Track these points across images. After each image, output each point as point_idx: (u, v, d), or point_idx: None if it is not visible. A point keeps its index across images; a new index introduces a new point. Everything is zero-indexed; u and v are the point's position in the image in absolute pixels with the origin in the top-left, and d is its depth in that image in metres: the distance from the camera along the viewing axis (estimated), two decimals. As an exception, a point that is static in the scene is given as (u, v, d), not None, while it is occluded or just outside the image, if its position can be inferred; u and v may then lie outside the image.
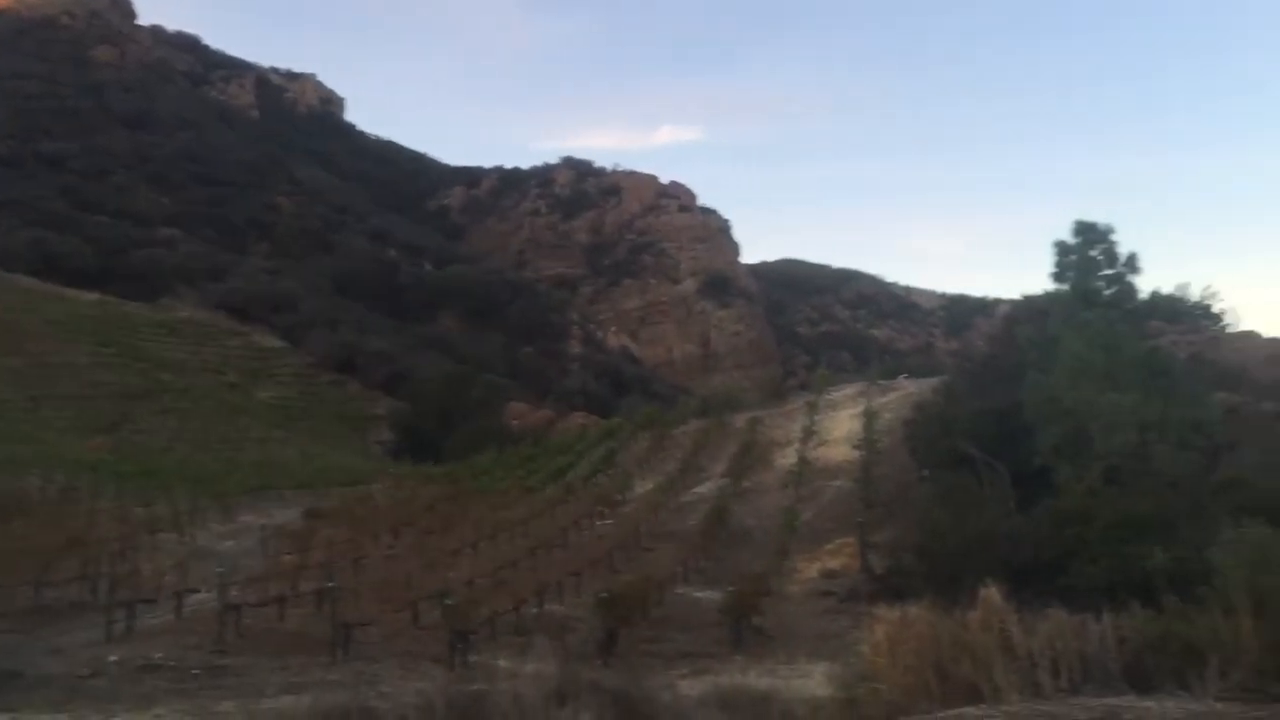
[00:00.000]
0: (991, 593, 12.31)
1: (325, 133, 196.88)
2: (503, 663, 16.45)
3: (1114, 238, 26.10)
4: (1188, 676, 11.47)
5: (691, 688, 13.18)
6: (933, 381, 46.35)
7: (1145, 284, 27.48)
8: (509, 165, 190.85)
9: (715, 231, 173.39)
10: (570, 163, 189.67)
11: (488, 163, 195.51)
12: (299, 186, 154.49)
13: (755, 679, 13.29)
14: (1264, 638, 11.50)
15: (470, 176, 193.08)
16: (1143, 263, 26.27)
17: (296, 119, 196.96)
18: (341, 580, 24.14)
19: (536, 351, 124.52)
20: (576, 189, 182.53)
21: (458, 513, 39.77)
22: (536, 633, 20.21)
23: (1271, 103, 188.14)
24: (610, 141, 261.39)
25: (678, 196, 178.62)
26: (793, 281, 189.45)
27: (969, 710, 10.48)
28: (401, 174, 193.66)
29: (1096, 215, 27.40)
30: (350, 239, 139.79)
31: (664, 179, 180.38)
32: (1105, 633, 12.03)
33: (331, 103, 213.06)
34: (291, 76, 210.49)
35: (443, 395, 79.35)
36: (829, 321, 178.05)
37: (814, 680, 13.10)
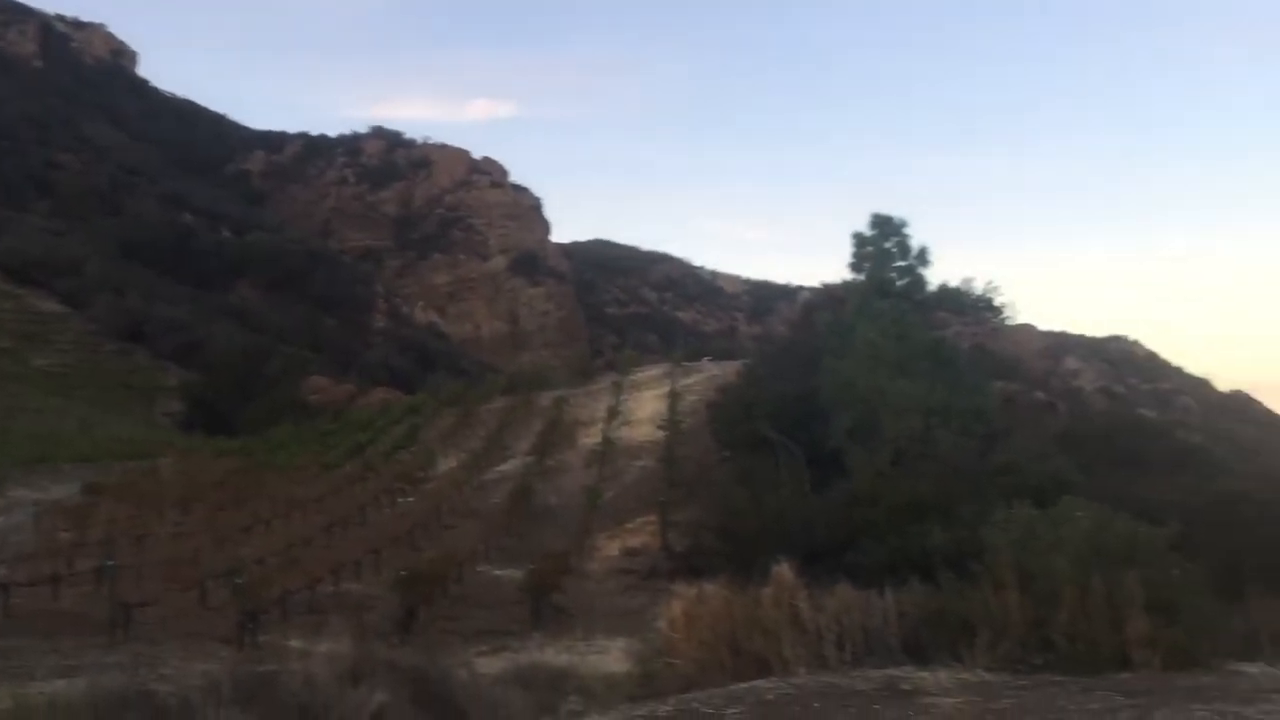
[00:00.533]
0: (784, 570, 12.75)
1: (116, 87, 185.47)
2: (295, 643, 15.97)
3: (907, 231, 27.36)
4: (960, 648, 12.20)
5: (490, 665, 13.15)
6: (735, 365, 47.48)
7: (934, 277, 28.92)
8: (315, 132, 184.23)
9: (527, 209, 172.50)
10: (379, 132, 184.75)
11: (292, 128, 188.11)
12: (85, 143, 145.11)
13: (554, 656, 13.37)
14: (1029, 612, 12.33)
15: (273, 141, 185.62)
16: (932, 256, 27.64)
17: (84, 71, 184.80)
18: (123, 558, 23.00)
19: (339, 324, 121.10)
20: (385, 159, 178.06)
21: (251, 488, 38.42)
22: (332, 612, 19.74)
23: (1051, 108, 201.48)
24: (422, 113, 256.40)
25: (490, 172, 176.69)
26: (603, 262, 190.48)
27: (760, 683, 10.84)
28: (199, 135, 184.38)
29: (893, 209, 28.70)
30: (141, 201, 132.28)
31: (476, 154, 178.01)
32: (888, 608, 12.64)
33: (123, 55, 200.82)
34: (79, 25, 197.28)
35: (238, 366, 76.31)
36: (637, 303, 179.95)
37: (612, 656, 13.28)
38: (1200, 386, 63.15)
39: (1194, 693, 10.19)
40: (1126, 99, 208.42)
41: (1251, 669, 12.47)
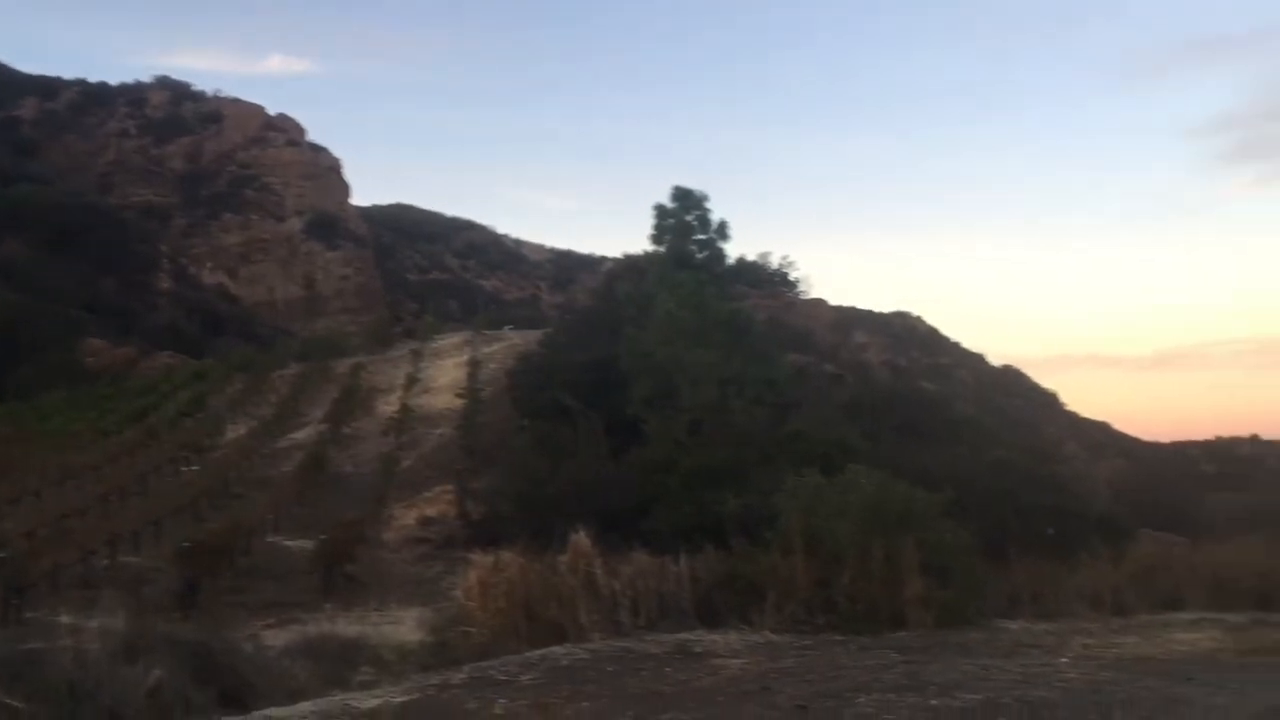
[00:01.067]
0: (581, 538, 12.85)
1: None
2: (65, 619, 15.07)
3: (708, 205, 27.84)
4: (750, 611, 12.60)
5: (277, 638, 12.76)
6: (537, 334, 47.45)
7: (733, 250, 29.58)
8: (95, 79, 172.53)
9: (325, 169, 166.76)
10: (166, 83, 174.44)
11: (69, 73, 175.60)
12: None
13: (345, 627, 13.07)
14: (814, 574, 12.84)
15: (48, 87, 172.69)
16: (731, 231, 28.21)
17: None
18: None
19: (119, 285, 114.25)
20: (172, 112, 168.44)
21: (19, 457, 35.94)
22: (107, 586, 18.71)
23: (849, 92, 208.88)
24: (213, 64, 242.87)
25: (286, 130, 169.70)
26: (404, 227, 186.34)
27: (555, 649, 10.90)
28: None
29: (695, 183, 29.18)
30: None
31: (272, 110, 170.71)
32: (681, 573, 12.93)
33: None
34: None
35: (5, 328, 71.09)
36: (439, 269, 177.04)
37: (406, 626, 13.10)
38: (975, 361, 66.91)
39: (962, 648, 10.84)
40: (916, 93, 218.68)
41: (1013, 625, 13.37)
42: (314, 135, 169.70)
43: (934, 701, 7.44)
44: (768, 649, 10.90)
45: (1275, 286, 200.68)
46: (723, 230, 27.96)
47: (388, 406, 43.87)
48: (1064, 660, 9.68)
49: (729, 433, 23.57)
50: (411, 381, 46.92)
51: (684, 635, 11.59)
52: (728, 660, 9.99)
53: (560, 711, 7.51)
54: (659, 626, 12.08)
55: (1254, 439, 59.79)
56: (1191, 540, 20.92)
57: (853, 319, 59.04)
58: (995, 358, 66.45)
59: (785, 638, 11.81)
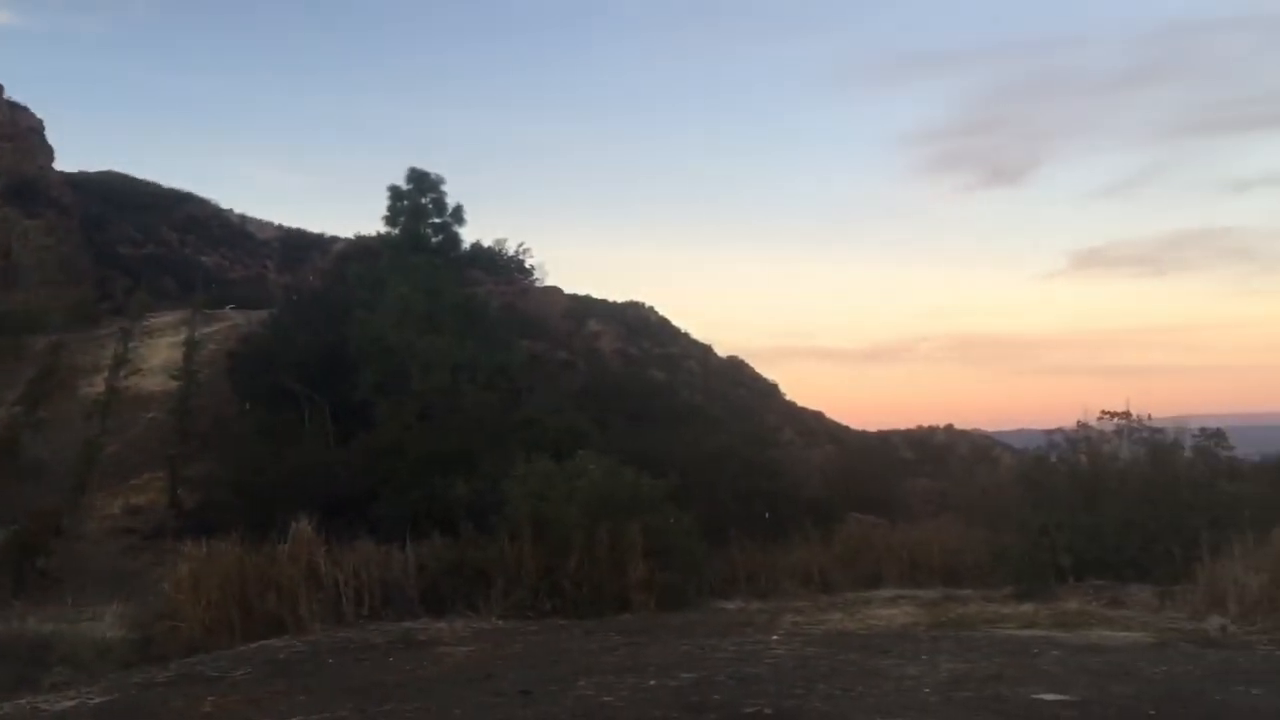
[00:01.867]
0: (303, 526, 12.42)
1: None
2: None
3: (444, 189, 27.42)
4: (477, 598, 12.57)
5: (-46, 640, 11.64)
6: (262, 314, 45.43)
7: (469, 235, 29.25)
8: None
9: (25, 130, 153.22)
10: None
11: None
12: None
13: (37, 625, 12.07)
14: (542, 560, 12.95)
15: None
16: (467, 215, 27.92)
17: None
18: None
19: None
20: None
21: None
22: None
23: (579, 82, 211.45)
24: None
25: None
26: (117, 197, 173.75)
27: (271, 641, 10.48)
28: None
29: (433, 166, 28.69)
30: None
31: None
32: (408, 561, 12.74)
33: None
34: None
35: None
36: (155, 243, 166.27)
37: (106, 622, 12.25)
38: (703, 352, 69.25)
39: (682, 629, 11.21)
40: (641, 87, 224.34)
41: (730, 605, 13.96)
42: (13, 93, 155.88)
43: (652, 682, 7.64)
44: (494, 635, 10.89)
45: (971, 289, 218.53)
46: (459, 214, 27.65)
47: (92, 388, 40.84)
48: (775, 637, 10.17)
49: (461, 418, 23.39)
50: (120, 362, 43.87)
51: (409, 624, 11.42)
52: (453, 648, 9.91)
53: (275, 706, 7.22)
54: (383, 616, 11.85)
55: (949, 428, 64.65)
56: (891, 522, 22.47)
57: (587, 307, 59.87)
58: (722, 348, 69.15)
59: (512, 624, 11.84)
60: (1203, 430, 17.56)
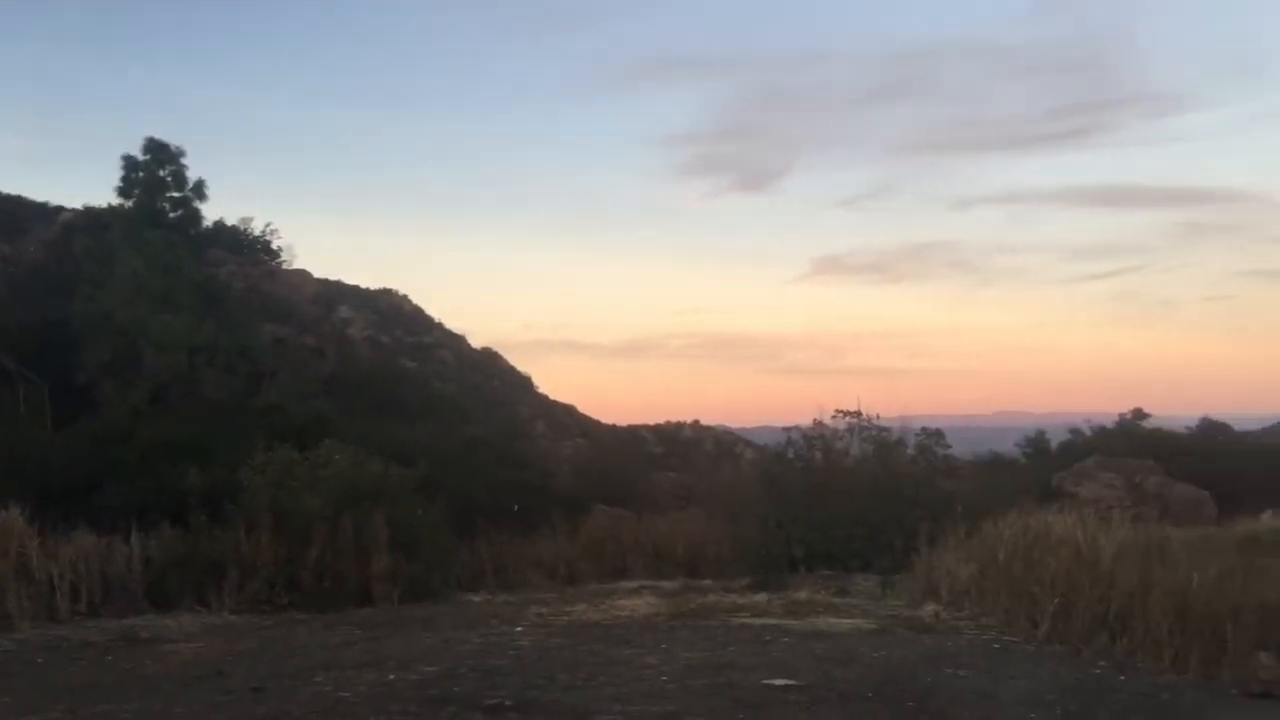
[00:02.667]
0: (12, 516, 11.48)
1: None
2: None
3: (185, 161, 25.89)
4: (208, 592, 11.97)
5: None
6: (-28, 285, 41.66)
7: (211, 212, 27.74)
8: None
9: None
10: None
11: None
12: None
13: None
14: (280, 552, 12.49)
15: None
16: (210, 191, 26.49)
17: None
18: None
19: None
20: None
21: None
22: None
23: (327, 65, 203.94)
24: None
25: None
26: None
27: (-29, 642, 9.64)
28: None
29: (174, 137, 27.02)
30: None
31: None
32: (131, 554, 12.00)
33: None
34: None
35: None
36: None
37: None
38: (458, 342, 68.28)
39: (426, 621, 11.07)
40: (397, 72, 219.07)
41: (477, 598, 13.91)
42: None
43: (392, 676, 7.52)
44: (226, 631, 10.44)
45: (721, 289, 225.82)
46: (200, 190, 26.13)
47: None
48: (519, 629, 10.21)
49: (197, 403, 22.21)
50: None
51: (132, 621, 10.79)
52: (180, 645, 9.42)
53: (-27, 711, 6.66)
54: (103, 613, 11.15)
55: (695, 424, 66.44)
56: (638, 515, 22.95)
57: (338, 293, 57.89)
58: (478, 340, 68.36)
59: (246, 619, 11.38)
60: (924, 430, 18.75)
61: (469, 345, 65.56)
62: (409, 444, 19.93)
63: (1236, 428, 37.41)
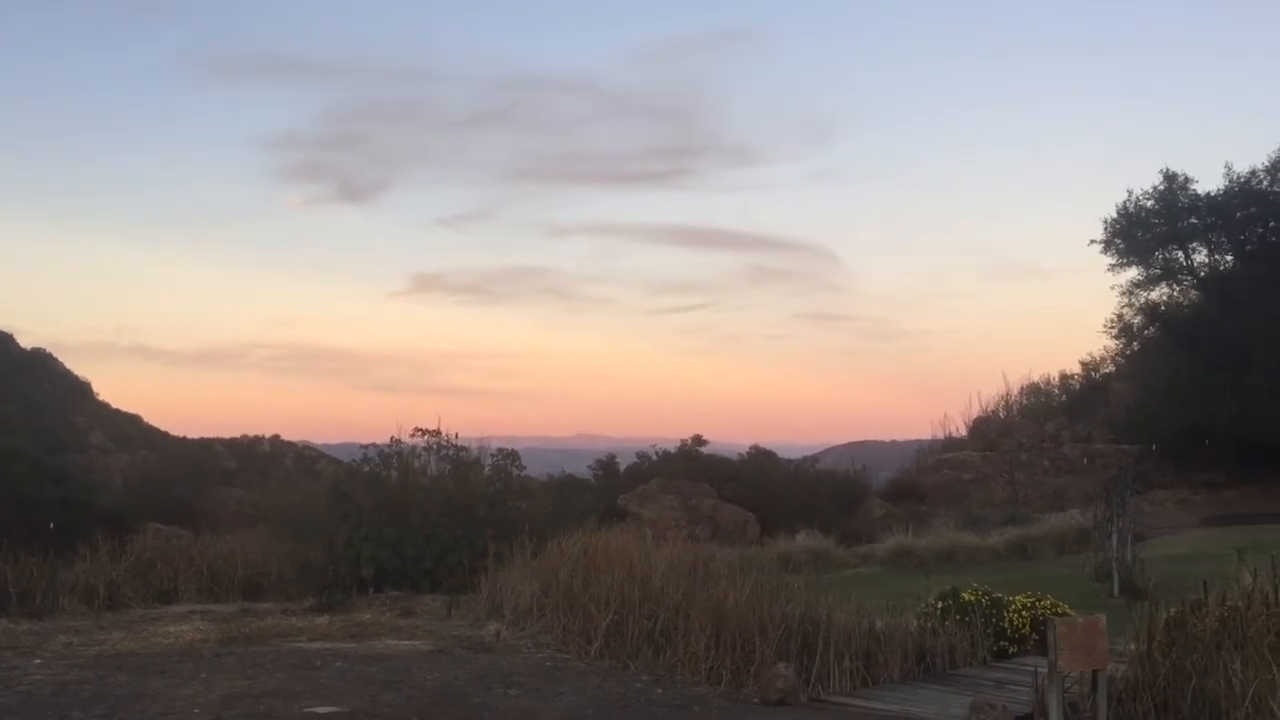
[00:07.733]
0: None
1: None
2: None
3: None
4: None
5: None
6: None
7: None
8: None
9: None
10: None
11: None
12: None
13: None
14: None
15: None
16: None
17: None
18: None
19: None
20: None
21: None
22: None
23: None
24: None
25: None
26: None
27: None
28: None
29: None
30: None
31: None
32: None
33: None
34: None
35: None
36: None
37: None
38: (4, 341, 60.88)
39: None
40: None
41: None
42: None
43: None
44: None
45: (315, 301, 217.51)
46: None
47: None
48: (37, 661, 9.15)
49: None
50: None
51: None
52: None
53: None
54: None
55: (275, 438, 63.54)
56: (195, 534, 21.46)
57: None
58: (28, 339, 61.15)
59: None
60: (500, 450, 19.02)
61: (17, 345, 59.07)
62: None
63: (781, 456, 40.80)
